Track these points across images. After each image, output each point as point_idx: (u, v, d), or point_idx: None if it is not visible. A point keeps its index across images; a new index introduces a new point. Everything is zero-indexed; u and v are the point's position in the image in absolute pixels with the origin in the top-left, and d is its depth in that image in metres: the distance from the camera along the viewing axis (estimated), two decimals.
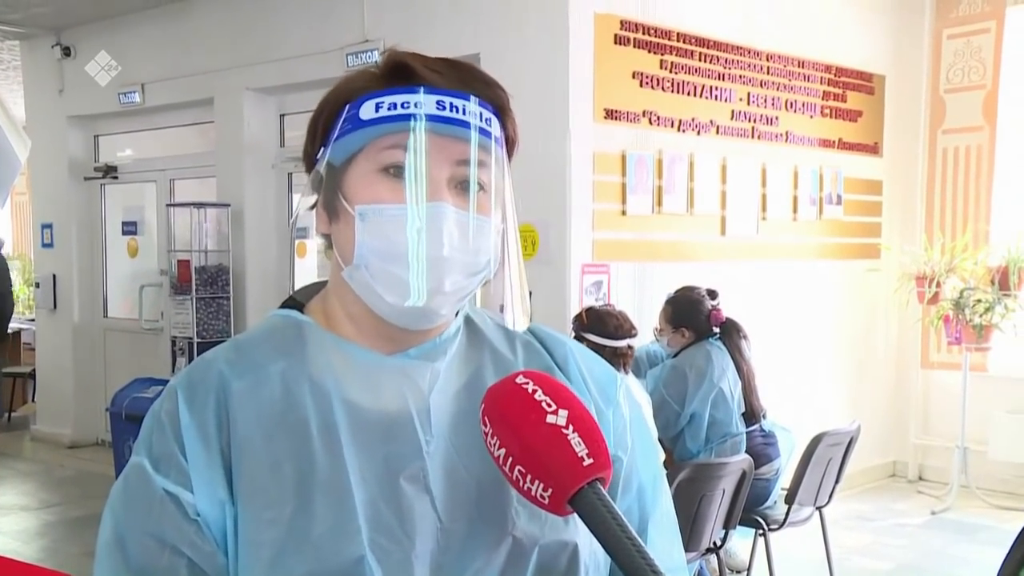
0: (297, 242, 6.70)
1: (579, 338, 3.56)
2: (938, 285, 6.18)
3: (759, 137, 5.81)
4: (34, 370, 8.67)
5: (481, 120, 0.99)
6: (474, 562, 0.97)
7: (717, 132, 5.57)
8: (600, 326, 3.64)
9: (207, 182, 7.03)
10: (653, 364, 4.52)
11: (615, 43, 5.04)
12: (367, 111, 0.98)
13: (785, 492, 4.14)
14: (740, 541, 4.46)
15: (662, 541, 1.08)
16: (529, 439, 0.88)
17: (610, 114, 5.03)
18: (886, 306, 6.73)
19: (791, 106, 6.02)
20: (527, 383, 0.91)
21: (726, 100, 5.62)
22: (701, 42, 5.46)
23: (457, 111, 0.97)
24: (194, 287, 6.49)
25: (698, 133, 5.46)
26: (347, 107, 1.00)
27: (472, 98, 0.99)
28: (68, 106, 7.82)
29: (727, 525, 3.72)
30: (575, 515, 0.88)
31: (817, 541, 4.35)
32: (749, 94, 5.74)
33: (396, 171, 0.98)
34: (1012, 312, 6.02)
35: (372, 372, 1.02)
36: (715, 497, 3.54)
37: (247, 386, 0.99)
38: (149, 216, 7.79)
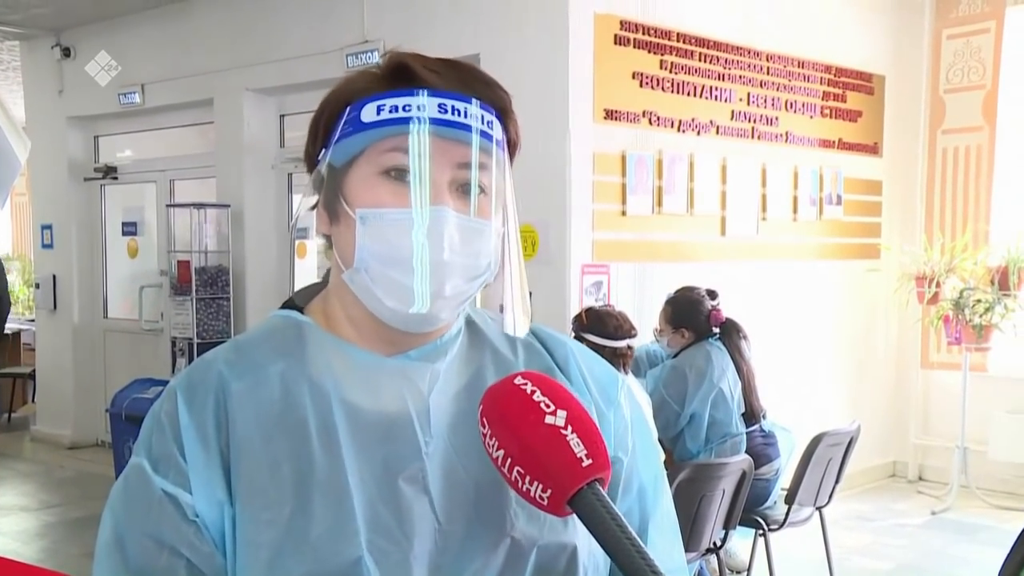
0: (297, 243, 6.70)
1: (579, 338, 3.55)
2: (938, 285, 6.18)
3: (759, 137, 5.81)
4: (34, 371, 8.67)
5: (483, 123, 0.98)
6: (472, 563, 0.97)
7: (717, 132, 5.57)
8: (600, 326, 3.64)
9: (207, 183, 7.03)
10: (653, 364, 4.52)
11: (615, 43, 5.04)
12: (368, 113, 0.98)
13: (785, 492, 4.14)
14: (740, 541, 4.46)
15: (662, 542, 1.08)
16: (528, 440, 0.88)
17: (610, 114, 5.03)
18: (886, 306, 6.73)
19: (791, 106, 6.02)
20: (525, 384, 0.91)
21: (726, 100, 5.62)
22: (701, 42, 5.46)
23: (459, 114, 0.97)
24: (194, 288, 6.49)
25: (698, 133, 5.46)
26: (348, 109, 0.99)
27: (474, 100, 0.98)
28: (68, 107, 7.82)
29: (727, 525, 3.72)
30: (574, 516, 0.88)
31: (817, 541, 4.35)
32: (749, 94, 5.74)
33: (397, 174, 0.97)
34: (1012, 312, 6.02)
35: (372, 373, 1.02)
36: (715, 497, 3.54)
37: (246, 387, 0.99)
38: (149, 217, 7.79)
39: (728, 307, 4.41)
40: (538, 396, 0.90)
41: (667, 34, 5.27)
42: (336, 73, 5.49)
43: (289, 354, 1.03)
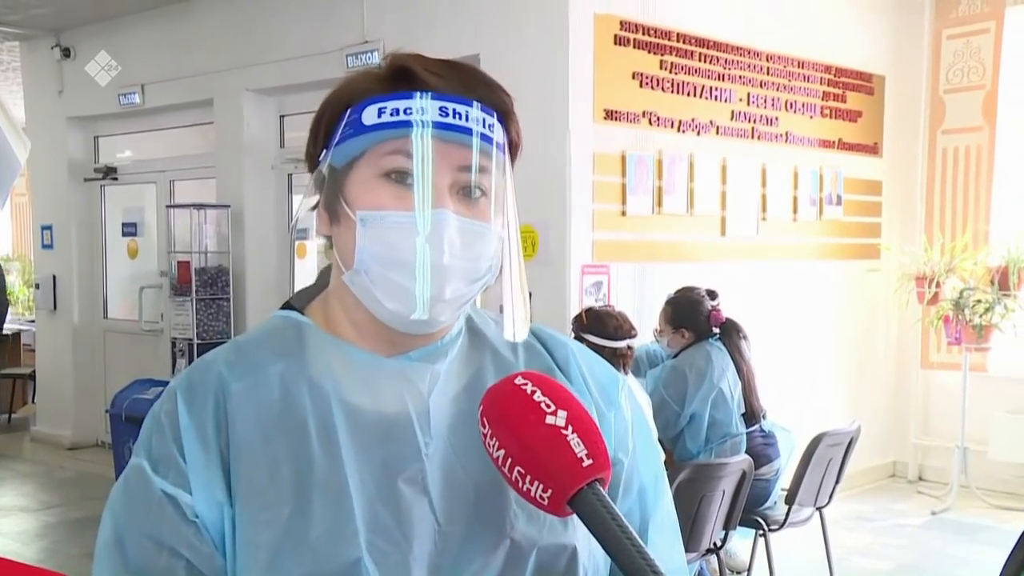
0: (297, 243, 6.69)
1: (578, 339, 3.55)
2: (938, 285, 6.18)
3: (759, 137, 5.81)
4: (34, 371, 8.68)
5: (484, 126, 0.98)
6: (472, 564, 0.97)
7: (717, 132, 5.57)
8: (599, 327, 3.64)
9: (207, 183, 7.03)
10: (653, 364, 4.52)
11: (615, 43, 5.04)
12: (369, 116, 0.98)
13: (785, 492, 4.14)
14: (740, 542, 4.45)
15: (663, 543, 1.08)
16: (528, 440, 0.88)
17: (610, 114, 5.03)
18: (886, 306, 6.73)
19: (791, 106, 6.02)
20: (526, 384, 0.91)
21: (726, 100, 5.62)
22: (701, 42, 5.46)
23: (460, 117, 0.97)
24: (194, 288, 6.49)
25: (698, 133, 5.46)
26: (349, 110, 0.99)
27: (475, 103, 0.98)
28: (68, 107, 7.82)
29: (727, 526, 3.72)
30: (574, 518, 0.88)
31: (817, 541, 4.35)
32: (749, 94, 5.75)
33: (398, 177, 0.97)
34: (1012, 312, 6.02)
35: (371, 374, 1.02)
36: (715, 498, 3.54)
37: (246, 388, 0.99)
38: (149, 217, 7.79)
39: (728, 307, 4.41)
40: (539, 396, 0.90)
41: (667, 34, 5.27)
42: (336, 74, 5.49)
43: (289, 355, 1.03)
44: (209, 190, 6.95)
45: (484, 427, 0.91)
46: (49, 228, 8.05)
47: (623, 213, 5.09)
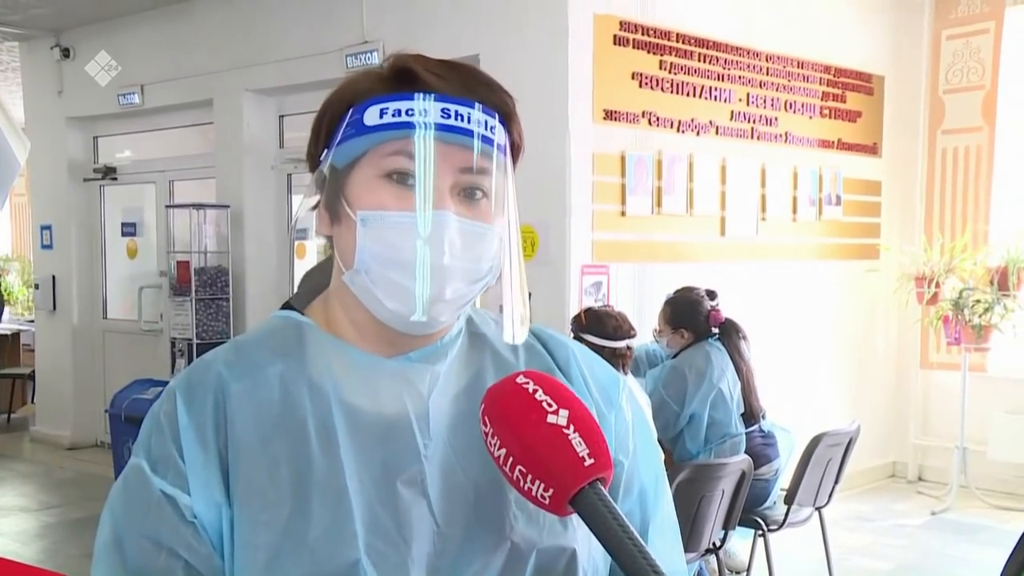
0: (297, 243, 6.69)
1: (578, 339, 3.55)
2: (937, 285, 6.18)
3: (758, 138, 5.82)
4: (33, 371, 8.68)
5: (485, 128, 0.98)
6: (471, 566, 0.97)
7: (716, 133, 5.57)
8: (599, 327, 3.64)
9: (206, 183, 7.03)
10: (653, 364, 4.51)
11: (614, 44, 5.04)
12: (371, 116, 0.98)
13: (784, 492, 4.14)
14: (740, 542, 4.45)
15: (663, 544, 1.08)
16: (530, 439, 0.87)
17: (609, 115, 5.03)
18: (885, 307, 6.73)
19: (790, 107, 6.02)
20: (527, 383, 0.91)
21: (725, 101, 5.62)
22: (700, 43, 5.46)
23: (461, 119, 0.97)
24: (193, 288, 6.48)
25: (697, 134, 5.46)
26: (351, 111, 0.99)
27: (476, 105, 0.98)
28: (67, 107, 7.82)
29: (727, 526, 3.72)
30: (574, 520, 0.88)
31: (817, 542, 4.35)
32: (748, 95, 5.75)
33: (399, 177, 0.97)
34: (1011, 312, 6.02)
35: (371, 375, 1.01)
36: (715, 498, 3.54)
37: (245, 388, 0.99)
38: (148, 217, 7.79)
39: (727, 307, 4.41)
40: (540, 395, 0.89)
41: (666, 34, 5.27)
42: (336, 74, 5.50)
43: (289, 355, 1.02)
44: (209, 190, 6.95)
45: (485, 426, 0.91)
46: (48, 228, 8.05)
47: (623, 213, 5.09)
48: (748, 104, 5.74)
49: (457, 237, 0.96)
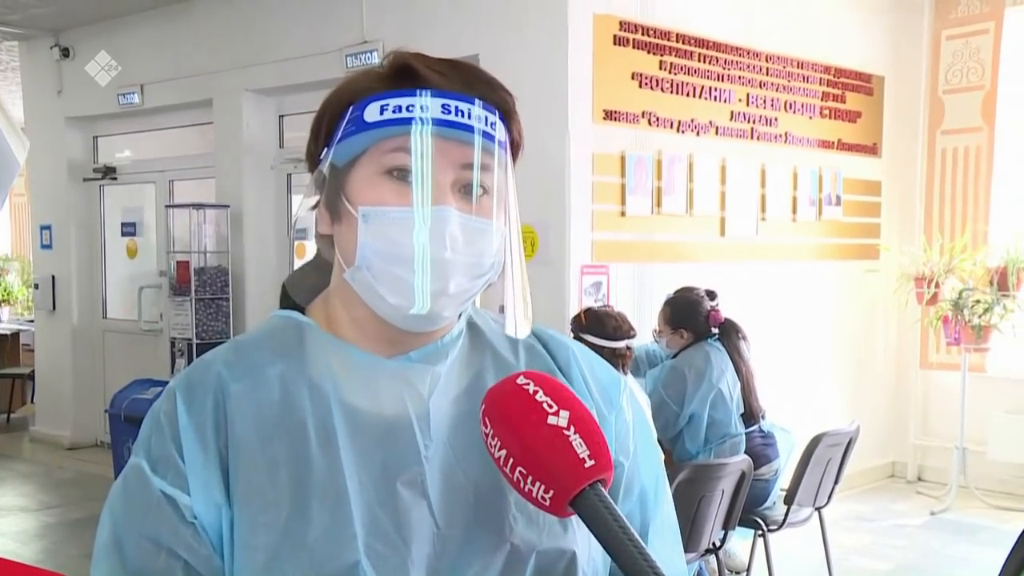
0: (297, 243, 6.69)
1: (577, 339, 3.54)
2: (937, 286, 6.18)
3: (758, 138, 5.82)
4: (33, 371, 8.67)
5: (485, 124, 0.98)
6: (471, 568, 0.97)
7: (716, 133, 5.57)
8: (598, 327, 3.64)
9: (206, 183, 7.03)
10: (653, 364, 4.51)
11: (614, 44, 5.04)
12: (371, 113, 0.98)
13: (784, 493, 4.14)
14: (739, 542, 4.45)
15: (663, 546, 1.08)
16: (530, 440, 0.87)
17: (609, 115, 5.03)
18: (885, 307, 6.74)
19: (790, 107, 6.02)
20: (528, 384, 0.91)
21: (725, 101, 5.62)
22: (700, 43, 5.46)
23: (462, 115, 0.97)
24: (193, 288, 6.48)
25: (697, 134, 5.46)
26: (351, 108, 0.99)
27: (477, 101, 0.98)
28: (67, 107, 7.81)
29: (726, 526, 3.72)
30: (574, 522, 0.88)
31: (816, 542, 4.35)
32: (748, 95, 5.75)
33: (400, 174, 0.97)
34: (1011, 313, 6.02)
35: (372, 375, 1.01)
36: (714, 498, 3.54)
37: (245, 388, 0.99)
38: (148, 217, 7.78)
39: (727, 308, 4.41)
40: (540, 396, 0.89)
41: (666, 35, 5.27)
42: (335, 74, 5.50)
43: (289, 355, 1.02)
44: (208, 190, 6.95)
45: (486, 427, 0.91)
46: (48, 228, 8.05)
47: (622, 213, 5.09)
48: (748, 104, 5.74)
49: (459, 233, 0.96)
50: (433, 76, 0.98)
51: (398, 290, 0.96)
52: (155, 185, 7.67)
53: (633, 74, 5.13)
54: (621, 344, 3.63)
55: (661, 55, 5.26)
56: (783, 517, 4.09)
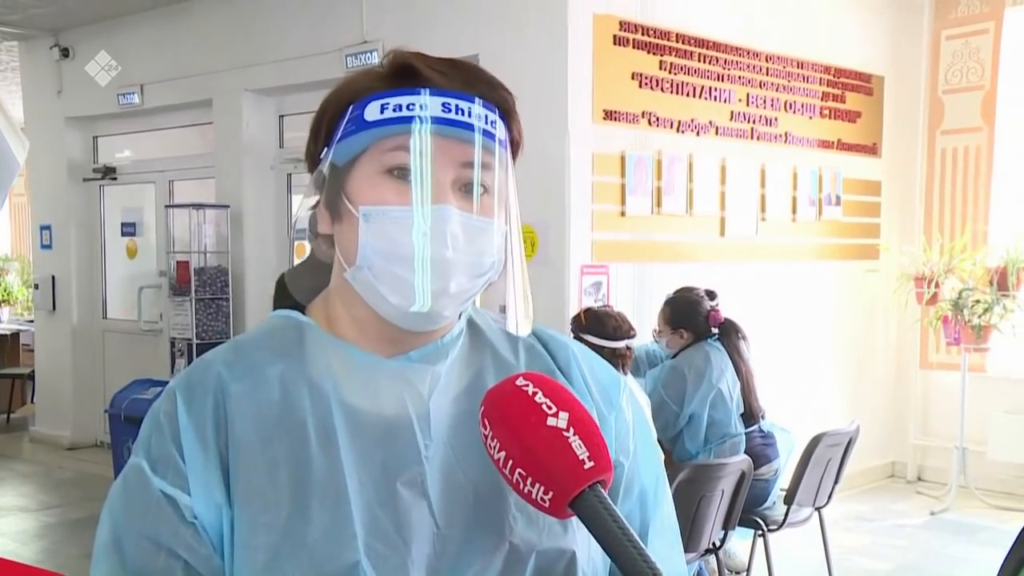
0: (297, 243, 6.68)
1: (577, 339, 3.54)
2: (937, 286, 6.18)
3: (758, 138, 5.82)
4: (33, 371, 8.67)
5: (486, 122, 0.98)
6: (471, 568, 0.96)
7: (716, 133, 5.57)
8: (598, 327, 3.64)
9: (206, 183, 7.03)
10: (653, 364, 4.51)
11: (614, 44, 5.04)
12: (372, 112, 0.97)
13: (784, 493, 4.14)
14: (739, 542, 4.45)
15: (663, 546, 1.08)
16: (529, 441, 0.87)
17: (609, 115, 5.03)
18: (885, 307, 6.74)
19: (790, 107, 6.02)
20: (527, 385, 0.90)
21: (725, 101, 5.62)
22: (700, 43, 5.46)
23: (462, 113, 0.97)
24: (193, 288, 6.48)
25: (697, 134, 5.46)
26: (351, 107, 0.99)
27: (477, 100, 0.98)
28: (67, 107, 7.81)
29: (726, 526, 3.72)
30: (574, 523, 0.87)
31: (816, 542, 4.35)
32: (748, 95, 5.75)
33: (400, 173, 0.97)
34: (1011, 313, 6.02)
35: (372, 375, 1.01)
36: (714, 498, 3.54)
37: (245, 388, 0.99)
38: (148, 217, 7.78)
39: (727, 308, 4.41)
40: (540, 397, 0.89)
41: (666, 35, 5.27)
42: (335, 74, 5.49)
43: (289, 355, 1.02)
44: (208, 190, 6.95)
45: (485, 428, 0.90)
46: (48, 228, 8.05)
47: (622, 213, 5.09)
48: (748, 104, 5.74)
49: (459, 231, 0.96)
50: (433, 75, 0.98)
51: (399, 289, 0.96)
52: (155, 185, 7.67)
53: (633, 74, 5.13)
54: (621, 344, 3.63)
55: (661, 55, 5.26)
56: (783, 517, 4.10)
